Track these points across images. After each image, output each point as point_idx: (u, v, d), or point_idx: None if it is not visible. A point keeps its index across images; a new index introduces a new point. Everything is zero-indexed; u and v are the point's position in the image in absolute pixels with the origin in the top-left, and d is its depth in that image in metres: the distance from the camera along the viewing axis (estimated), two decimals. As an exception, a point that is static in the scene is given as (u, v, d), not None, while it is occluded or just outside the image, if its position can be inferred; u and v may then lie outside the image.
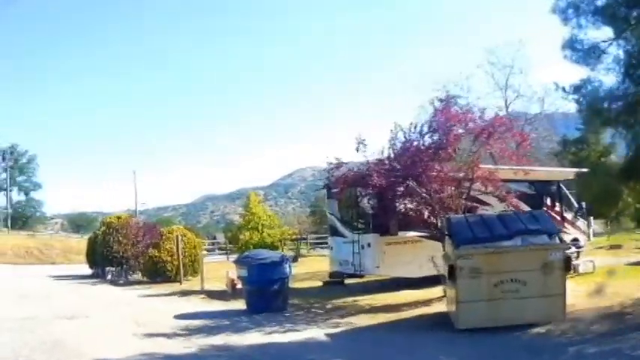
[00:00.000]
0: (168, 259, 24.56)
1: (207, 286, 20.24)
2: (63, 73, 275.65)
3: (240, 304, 15.01)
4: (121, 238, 29.14)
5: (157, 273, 24.77)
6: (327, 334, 10.87)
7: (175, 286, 22.26)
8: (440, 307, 12.77)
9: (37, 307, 16.42)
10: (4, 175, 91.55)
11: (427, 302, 13.97)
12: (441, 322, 11.21)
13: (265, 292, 13.65)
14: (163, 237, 25.73)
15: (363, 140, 14.53)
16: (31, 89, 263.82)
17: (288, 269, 14.11)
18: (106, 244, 29.23)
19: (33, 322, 13.39)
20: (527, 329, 9.86)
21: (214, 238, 56.34)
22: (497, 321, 10.01)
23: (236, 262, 14.79)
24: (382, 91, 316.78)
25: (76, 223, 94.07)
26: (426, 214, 14.69)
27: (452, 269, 10.30)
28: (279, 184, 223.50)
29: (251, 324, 12.33)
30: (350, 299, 15.70)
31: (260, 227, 21.18)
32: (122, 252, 28.55)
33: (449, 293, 11.41)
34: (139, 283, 25.59)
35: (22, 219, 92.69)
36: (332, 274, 19.64)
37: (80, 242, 55.27)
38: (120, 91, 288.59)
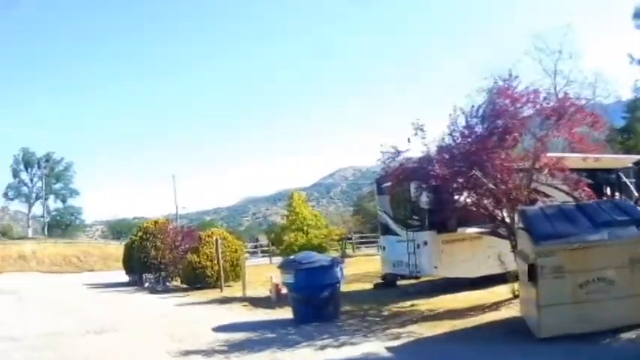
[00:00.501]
0: (208, 264, 23.73)
1: (250, 293, 19.43)
2: (98, 77, 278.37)
3: (286, 313, 13.99)
4: (158, 244, 28.45)
5: (197, 279, 24.01)
6: (388, 348, 9.66)
7: (215, 293, 21.43)
8: (511, 312, 11.60)
9: (65, 320, 15.69)
10: (40, 184, 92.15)
11: (494, 306, 12.67)
12: (515, 329, 9.96)
13: (314, 299, 12.50)
14: (202, 241, 24.91)
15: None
16: (66, 95, 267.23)
17: (339, 273, 12.96)
18: (142, 250, 28.57)
19: (57, 338, 12.60)
20: (615, 335, 8.67)
21: (257, 240, 55.78)
22: (583, 327, 8.76)
23: (281, 266, 13.59)
24: (428, 88, 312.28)
25: (116, 230, 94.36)
26: (490, 207, 13.36)
27: (532, 269, 9.03)
28: (321, 184, 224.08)
29: (300, 336, 11.19)
30: (407, 304, 14.48)
31: (305, 228, 20.07)
32: (160, 258, 27.81)
33: (525, 296, 10.16)
34: (177, 290, 24.86)
35: (60, 227, 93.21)
36: (385, 277, 18.42)
37: (119, 249, 53.73)
38: (157, 94, 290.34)
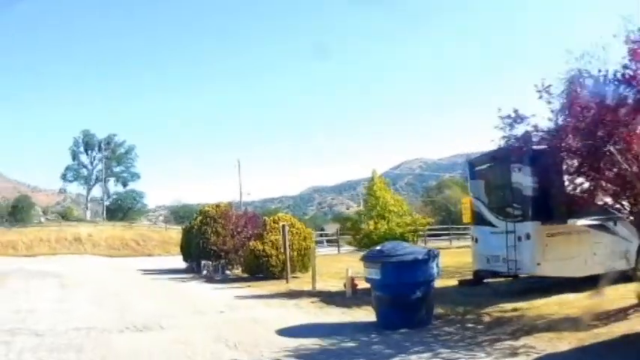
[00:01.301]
0: (273, 252, 22.19)
1: (319, 286, 17.83)
2: (162, 61, 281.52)
3: (365, 314, 12.22)
4: (219, 229, 27.27)
5: (260, 269, 22.52)
6: (509, 370, 7.62)
7: (281, 285, 19.78)
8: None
9: (105, 312, 14.17)
10: (100, 166, 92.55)
11: (620, 314, 10.46)
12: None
13: (404, 300, 10.45)
14: (267, 227, 23.35)
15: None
16: (128, 78, 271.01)
17: (435, 269, 10.89)
18: (202, 236, 27.42)
19: (88, 334, 10.95)
20: None
21: (322, 229, 54.24)
22: None
23: (365, 258, 11.43)
24: (502, 81, 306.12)
25: (179, 215, 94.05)
26: (613, 194, 11.23)
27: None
28: (387, 176, 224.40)
29: (388, 347, 9.14)
30: (507, 307, 12.27)
31: (387, 215, 17.73)
32: (220, 244, 26.65)
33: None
34: (238, 279, 23.36)
35: (121, 210, 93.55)
36: (477, 273, 16.23)
37: (179, 233, 54.21)
38: (222, 78, 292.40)
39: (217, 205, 29.33)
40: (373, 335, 10.12)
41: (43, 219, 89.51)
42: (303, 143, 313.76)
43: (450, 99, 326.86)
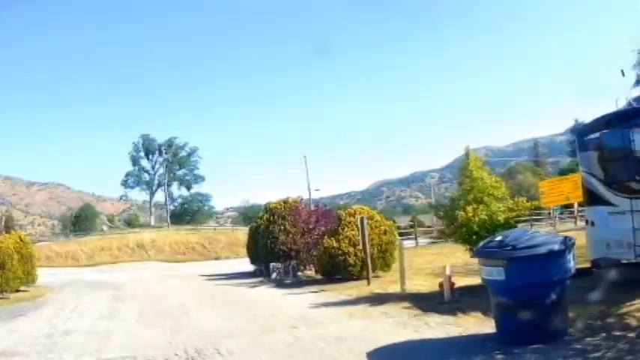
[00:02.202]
0: (350, 250, 20.23)
1: (406, 286, 15.77)
2: (221, 60, 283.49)
3: (475, 323, 10.08)
4: (287, 227, 25.82)
5: (336, 269, 20.64)
6: None
7: (362, 288, 17.73)
8: None
9: (153, 334, 12.08)
10: (161, 171, 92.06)
11: None
12: None
13: (536, 305, 8.05)
14: (342, 222, 21.35)
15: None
16: (190, 81, 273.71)
17: (572, 263, 8.42)
18: (269, 235, 26.09)
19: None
20: None
21: (393, 222, 52.41)
22: None
23: (480, 253, 8.90)
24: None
25: (247, 216, 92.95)
26: None
27: None
28: (454, 166, 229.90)
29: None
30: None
31: (487, 198, 15.28)
32: (290, 244, 25.15)
33: None
34: (311, 282, 21.61)
35: (187, 214, 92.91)
36: (595, 262, 13.52)
37: (247, 234, 53.46)
38: (289, 75, 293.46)
39: (285, 201, 27.40)
40: (499, 357, 7.78)
41: (105, 227, 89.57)
42: (372, 136, 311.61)
43: (510, 86, 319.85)
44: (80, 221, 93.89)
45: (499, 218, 14.83)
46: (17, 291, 24.04)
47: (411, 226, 49.40)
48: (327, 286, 19.34)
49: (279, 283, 22.47)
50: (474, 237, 14.50)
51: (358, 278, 19.63)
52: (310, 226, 24.60)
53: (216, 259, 50.75)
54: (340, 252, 20.07)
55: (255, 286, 22.24)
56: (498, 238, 8.73)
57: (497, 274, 8.21)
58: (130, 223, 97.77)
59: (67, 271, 42.10)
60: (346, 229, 20.79)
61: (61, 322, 14.76)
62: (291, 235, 25.27)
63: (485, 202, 15.19)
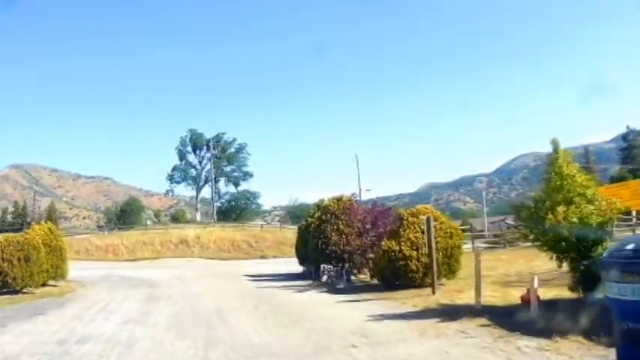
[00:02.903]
0: (412, 254, 18.12)
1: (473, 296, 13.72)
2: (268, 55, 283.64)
3: (577, 350, 8.16)
4: (341, 227, 23.95)
5: (395, 274, 18.45)
6: None
7: (426, 297, 15.76)
8: None
9: (184, 347, 10.13)
10: (209, 166, 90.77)
11: None
12: None
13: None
14: (404, 223, 19.10)
15: None
16: (240, 78, 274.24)
17: None
18: (320, 235, 24.39)
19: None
20: None
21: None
22: None
23: (609, 264, 6.65)
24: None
25: (295, 214, 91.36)
26: None
27: None
28: (502, 171, 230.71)
29: None
30: None
31: (577, 199, 13.21)
32: (343, 244, 23.25)
33: None
34: (366, 288, 19.76)
35: (234, 211, 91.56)
36: None
37: (295, 233, 51.74)
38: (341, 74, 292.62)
39: (338, 199, 25.52)
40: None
41: (149, 222, 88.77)
42: (420, 139, 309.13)
43: (559, 91, 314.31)
44: (125, 215, 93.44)
45: (591, 222, 12.64)
46: (45, 285, 22.87)
47: (463, 230, 46.91)
48: (385, 293, 17.50)
49: (331, 288, 20.66)
50: (563, 243, 12.41)
51: (419, 285, 17.74)
52: (367, 226, 22.71)
53: (262, 258, 49.15)
54: (401, 256, 18.02)
55: (304, 290, 20.44)
56: (630, 245, 6.58)
57: (632, 293, 6.08)
58: (177, 219, 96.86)
59: (105, 266, 41.09)
60: (408, 230, 18.73)
61: (82, 326, 13.09)
62: (344, 236, 23.46)
63: (576, 203, 13.00)
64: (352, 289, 19.89)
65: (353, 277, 22.58)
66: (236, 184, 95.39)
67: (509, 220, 73.38)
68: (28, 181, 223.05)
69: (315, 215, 25.94)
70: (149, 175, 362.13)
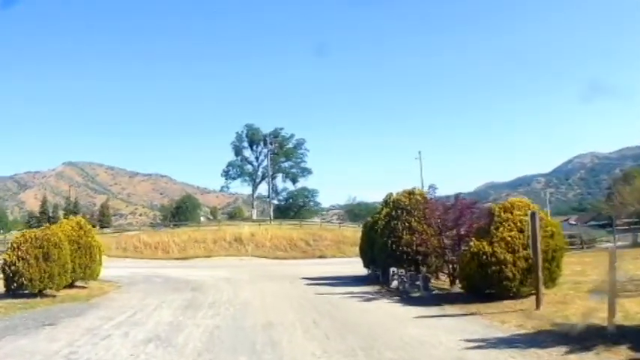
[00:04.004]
0: (508, 257, 14.94)
1: (578, 310, 12.22)
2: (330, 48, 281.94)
3: None
4: (414, 224, 21.34)
5: (486, 282, 15.31)
6: None
7: (528, 311, 13.00)
8: None
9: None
10: (266, 162, 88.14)
11: None
12: None
13: None
14: (495, 219, 15.92)
15: None
16: (296, 69, 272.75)
17: None
18: (390, 233, 21.81)
19: None
20: None
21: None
22: None
23: None
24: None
25: (354, 213, 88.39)
26: None
27: None
28: (560, 171, 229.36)
29: None
30: None
31: None
32: (416, 245, 20.59)
33: None
34: (449, 298, 16.73)
35: (292, 209, 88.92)
36: None
37: (356, 232, 50.66)
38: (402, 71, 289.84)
39: (410, 193, 22.59)
40: None
41: (203, 219, 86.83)
42: (479, 140, 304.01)
43: (622, 91, 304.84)
44: (181, 212, 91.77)
45: None
46: (73, 287, 20.67)
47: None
48: (474, 305, 14.44)
49: (404, 297, 17.71)
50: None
51: (515, 296, 14.79)
52: (448, 224, 19.53)
53: (321, 257, 46.89)
54: (494, 260, 14.77)
55: (372, 299, 17.48)
56: None
57: None
58: (233, 216, 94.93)
59: (152, 264, 39.06)
60: (501, 228, 15.44)
61: (90, 344, 10.34)
62: (417, 235, 20.58)
63: None
64: (431, 298, 16.88)
65: (430, 284, 19.16)
66: (294, 181, 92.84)
67: (572, 221, 70.19)
68: (84, 178, 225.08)
69: (383, 211, 23.19)
70: (206, 173, 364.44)
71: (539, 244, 13.61)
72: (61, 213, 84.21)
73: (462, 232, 18.46)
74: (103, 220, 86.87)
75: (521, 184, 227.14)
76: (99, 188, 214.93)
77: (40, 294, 17.93)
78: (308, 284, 23.10)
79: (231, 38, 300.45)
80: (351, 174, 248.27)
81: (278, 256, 47.07)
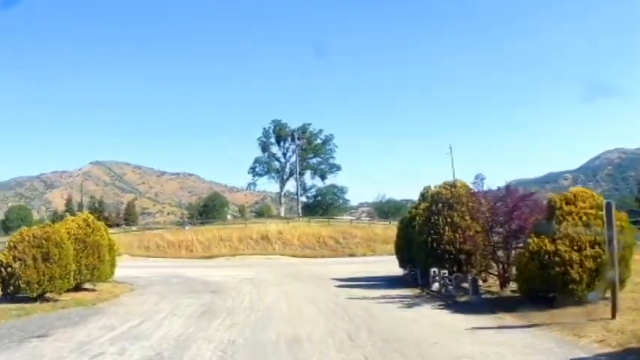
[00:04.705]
0: (574, 256, 12.87)
1: None
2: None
3: None
4: (456, 219, 19.30)
5: (549, 285, 13.22)
6: None
7: (603, 321, 10.82)
8: None
9: None
10: (294, 158, 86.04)
11: None
12: None
13: None
14: (556, 212, 13.75)
15: None
16: (323, 66, 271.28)
17: None
18: (430, 230, 19.72)
19: None
20: None
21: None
22: None
23: None
24: None
25: (383, 211, 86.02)
26: None
27: None
28: (587, 168, 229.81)
29: None
30: None
31: None
32: (460, 242, 18.70)
33: None
34: (502, 303, 14.54)
35: (320, 207, 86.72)
36: None
37: (387, 229, 49.09)
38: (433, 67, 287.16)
39: (452, 185, 20.46)
40: None
41: (229, 216, 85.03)
42: (505, 135, 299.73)
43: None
44: (208, 210, 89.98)
45: None
46: (80, 290, 18.90)
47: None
48: (535, 314, 12.36)
49: (449, 302, 15.65)
50: None
51: (580, 302, 12.53)
52: (498, 218, 17.22)
53: (351, 256, 44.63)
54: (558, 260, 12.66)
55: (413, 305, 15.47)
56: None
57: None
58: (261, 214, 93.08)
59: (174, 264, 37.22)
60: (564, 223, 13.27)
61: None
62: (460, 231, 18.53)
63: None
64: (481, 304, 14.71)
65: (479, 287, 16.49)
66: (322, 177, 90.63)
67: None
68: (111, 177, 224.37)
69: (421, 206, 21.27)
70: (234, 172, 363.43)
71: (615, 242, 11.40)
72: (85, 211, 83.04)
73: (515, 228, 16.29)
74: (128, 218, 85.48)
75: (548, 180, 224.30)
76: (126, 187, 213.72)
77: (41, 298, 16.16)
78: (339, 286, 21.20)
79: (258, 35, 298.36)
80: (379, 171, 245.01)
81: (306, 254, 45.22)
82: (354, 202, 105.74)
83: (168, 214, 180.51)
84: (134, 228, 64.14)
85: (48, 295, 16.49)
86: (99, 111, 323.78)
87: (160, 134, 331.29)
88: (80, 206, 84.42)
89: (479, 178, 18.95)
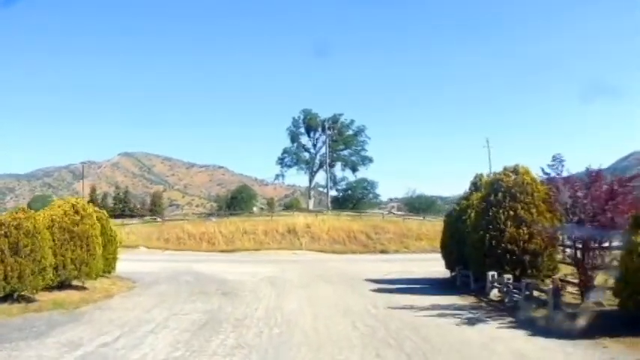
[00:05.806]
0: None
1: None
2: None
3: None
4: (520, 213, 15.73)
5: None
6: None
7: None
8: None
9: None
10: (324, 150, 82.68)
11: None
12: None
13: None
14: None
15: None
16: (358, 56, 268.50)
17: None
18: (487, 225, 16.15)
19: None
20: None
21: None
22: None
23: None
24: None
25: (414, 206, 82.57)
26: None
27: None
28: (615, 168, 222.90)
29: None
30: None
31: None
32: (524, 240, 15.31)
33: None
34: (601, 323, 10.71)
35: (350, 201, 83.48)
36: None
37: (422, 225, 46.63)
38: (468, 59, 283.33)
39: (514, 171, 16.66)
40: None
41: (255, 209, 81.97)
42: (539, 130, 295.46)
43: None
44: (236, 203, 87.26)
45: None
46: (67, 287, 15.95)
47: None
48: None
49: (520, 316, 12.13)
50: None
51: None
52: (588, 210, 13.47)
53: (382, 252, 41.64)
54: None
55: (475, 321, 11.98)
56: None
57: None
58: (289, 207, 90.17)
59: (191, 258, 34.10)
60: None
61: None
62: (526, 227, 15.15)
63: None
64: (569, 324, 10.77)
65: (558, 299, 12.88)
66: (354, 169, 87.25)
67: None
68: (140, 169, 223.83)
69: (474, 197, 17.95)
70: (264, 166, 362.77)
71: None
72: (110, 202, 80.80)
73: (607, 222, 12.66)
74: (154, 209, 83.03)
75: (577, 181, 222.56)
76: (155, 179, 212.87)
77: (11, 298, 12.99)
78: (374, 289, 17.86)
79: (288, 27, 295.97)
80: (410, 166, 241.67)
81: (335, 249, 42.15)
82: (383, 197, 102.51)
83: (197, 206, 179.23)
84: (158, 219, 61.30)
85: (25, 294, 13.40)
86: (129, 102, 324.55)
87: (190, 125, 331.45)
88: (104, 197, 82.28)
89: (557, 159, 15.07)
